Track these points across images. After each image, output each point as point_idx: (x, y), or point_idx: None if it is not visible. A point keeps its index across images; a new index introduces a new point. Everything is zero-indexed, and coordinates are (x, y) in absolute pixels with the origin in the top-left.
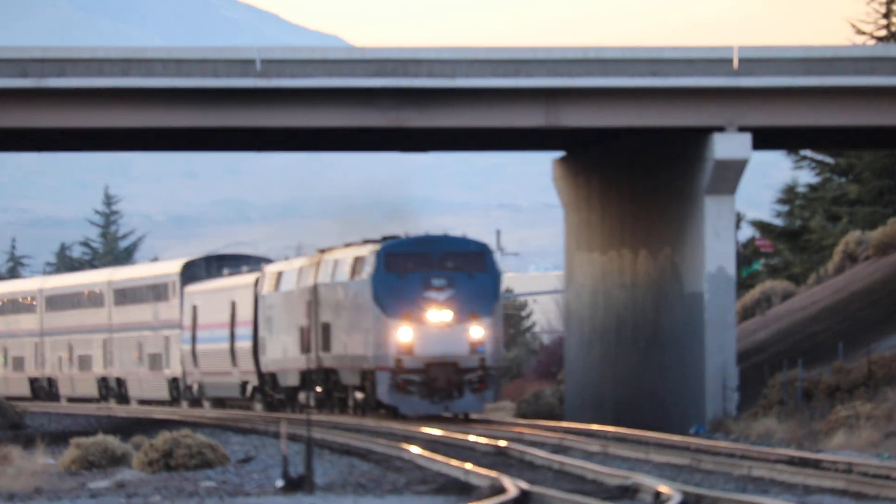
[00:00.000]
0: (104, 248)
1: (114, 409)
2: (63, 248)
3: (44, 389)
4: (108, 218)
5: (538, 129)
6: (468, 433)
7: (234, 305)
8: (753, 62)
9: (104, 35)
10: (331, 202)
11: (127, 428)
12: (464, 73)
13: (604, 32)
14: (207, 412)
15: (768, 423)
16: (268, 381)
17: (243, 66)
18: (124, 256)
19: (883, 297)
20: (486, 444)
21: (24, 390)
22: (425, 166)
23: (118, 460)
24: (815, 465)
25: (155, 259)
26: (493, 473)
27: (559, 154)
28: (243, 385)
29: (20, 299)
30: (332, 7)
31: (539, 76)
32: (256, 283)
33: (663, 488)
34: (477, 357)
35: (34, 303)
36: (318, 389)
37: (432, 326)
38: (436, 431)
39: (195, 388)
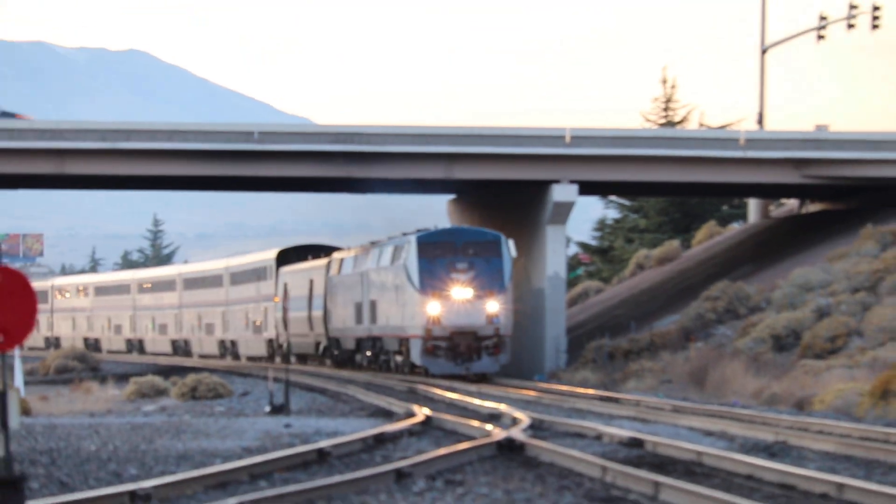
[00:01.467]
0: (153, 254)
1: (160, 360)
2: (126, 254)
3: (181, 348)
4: (156, 234)
5: (439, 180)
6: (390, 378)
7: (311, 283)
8: (580, 138)
9: (151, 113)
10: (304, 225)
11: (168, 371)
12: (390, 142)
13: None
14: (223, 363)
15: (585, 374)
16: (333, 344)
17: (247, 136)
18: (166, 260)
19: (660, 293)
20: (402, 384)
21: (168, 349)
22: (367, 202)
23: (161, 392)
24: (616, 400)
25: (185, 261)
26: (407, 404)
27: (452, 196)
28: (317, 345)
29: (164, 281)
30: (304, 96)
31: (441, 145)
32: (327, 266)
33: (518, 415)
34: (492, 327)
35: (174, 283)
36: (368, 353)
37: (456, 302)
38: (365, 376)
39: (285, 346)
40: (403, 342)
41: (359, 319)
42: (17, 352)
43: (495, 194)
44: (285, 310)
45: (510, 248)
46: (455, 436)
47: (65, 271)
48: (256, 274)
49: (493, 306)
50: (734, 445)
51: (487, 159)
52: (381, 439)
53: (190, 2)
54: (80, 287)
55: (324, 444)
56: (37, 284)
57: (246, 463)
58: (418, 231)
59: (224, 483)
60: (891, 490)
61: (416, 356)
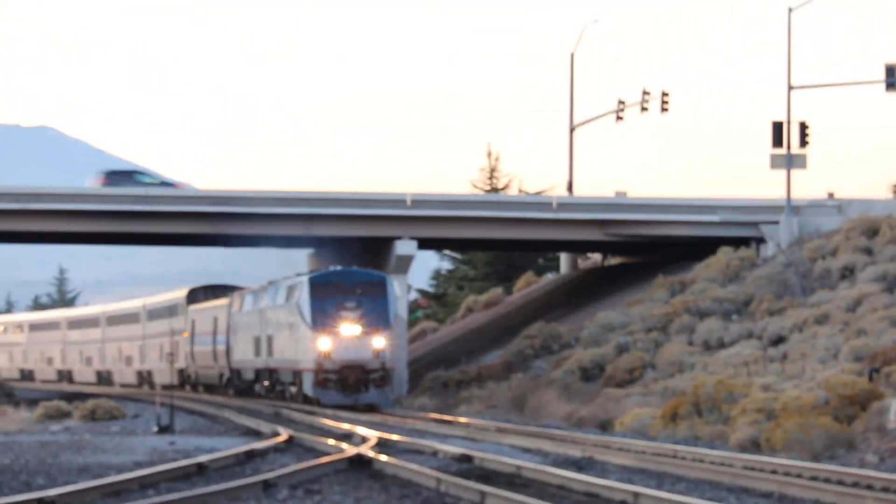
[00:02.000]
0: (59, 298)
1: (66, 386)
2: (36, 298)
3: (105, 378)
4: (61, 281)
5: (301, 236)
6: (259, 403)
7: (215, 320)
8: (419, 202)
9: (57, 180)
10: (186, 273)
11: (72, 397)
12: (258, 205)
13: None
14: (117, 390)
15: (424, 400)
16: (235, 375)
17: (138, 199)
18: (70, 304)
19: (487, 332)
20: (268, 409)
21: (93, 378)
22: (238, 253)
23: (66, 415)
24: (449, 423)
25: (86, 304)
26: (273, 426)
27: (311, 250)
28: (221, 376)
29: (89, 319)
30: (185, 164)
31: (301, 207)
32: (230, 304)
33: (367, 434)
34: (379, 361)
35: (98, 320)
36: (266, 383)
37: (345, 338)
38: (238, 402)
39: (193, 376)
40: (297, 374)
41: (257, 352)
42: None
43: (347, 248)
44: (192, 344)
45: (395, 287)
46: (314, 452)
47: None
48: (169, 311)
49: (380, 342)
50: (548, 460)
51: (341, 219)
52: (251, 455)
53: (94, 80)
54: (16, 324)
55: (202, 458)
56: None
57: (136, 475)
58: (311, 272)
59: (118, 492)
60: (678, 497)
61: (308, 388)
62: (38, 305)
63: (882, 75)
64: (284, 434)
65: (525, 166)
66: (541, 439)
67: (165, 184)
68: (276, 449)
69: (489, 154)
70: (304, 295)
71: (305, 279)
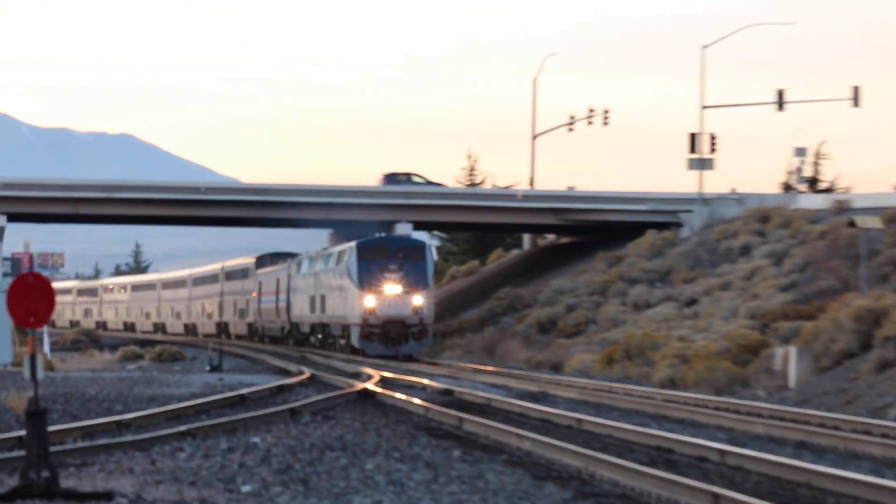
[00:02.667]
0: (135, 267)
1: (142, 336)
2: (117, 266)
3: (191, 330)
4: (137, 254)
5: (323, 220)
6: (289, 349)
7: (278, 282)
8: (414, 194)
9: (135, 177)
10: (234, 249)
11: (144, 343)
12: (289, 194)
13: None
14: (181, 338)
15: None
16: (294, 328)
17: (196, 189)
18: (144, 272)
19: (466, 295)
20: (295, 354)
21: (181, 330)
22: (275, 233)
23: (139, 357)
24: (437, 364)
25: (156, 271)
26: (300, 366)
27: (331, 230)
28: (282, 329)
29: (178, 280)
30: (234, 163)
31: (325, 197)
32: (289, 268)
33: (372, 373)
34: (417, 317)
35: (186, 282)
36: (319, 336)
37: (388, 296)
38: (272, 347)
39: (260, 329)
40: (345, 328)
41: (312, 309)
42: (45, 328)
43: (359, 229)
44: (259, 302)
45: (433, 253)
46: (330, 387)
47: (78, 277)
48: (242, 273)
49: (419, 300)
50: (512, 394)
51: (353, 207)
52: (281, 389)
53: (164, 93)
54: (121, 285)
55: (244, 391)
56: (89, 284)
57: (192, 403)
58: (359, 238)
59: (178, 416)
60: (612, 422)
61: (355, 340)
62: (118, 272)
63: (774, 97)
64: (308, 373)
65: (497, 166)
66: (506, 377)
67: (431, 184)
68: (301, 385)
69: (469, 156)
70: (352, 258)
71: (353, 245)
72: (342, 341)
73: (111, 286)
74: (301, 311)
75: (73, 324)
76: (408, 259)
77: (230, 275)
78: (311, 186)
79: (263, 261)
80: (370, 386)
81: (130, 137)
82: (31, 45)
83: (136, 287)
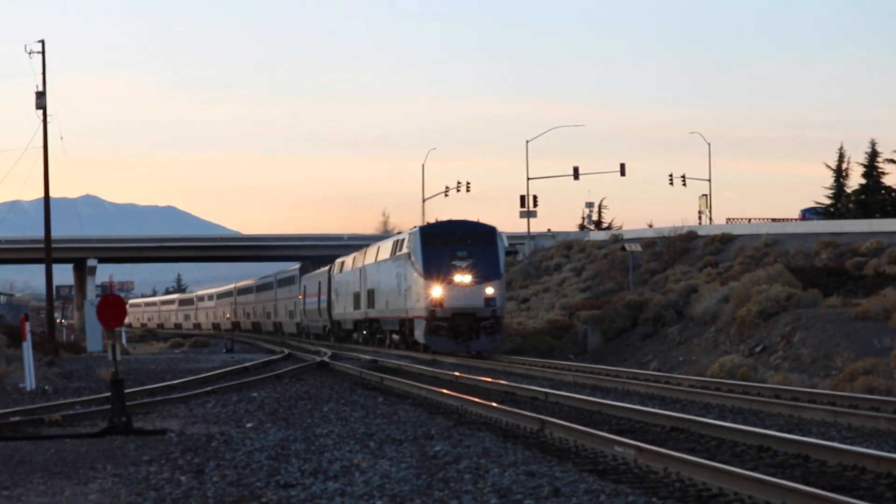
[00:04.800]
0: (178, 288)
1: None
2: (166, 289)
3: (257, 327)
4: (179, 280)
5: (293, 256)
6: (273, 339)
7: (319, 284)
8: (351, 237)
9: (142, 228)
10: (235, 276)
11: (185, 336)
12: (272, 240)
13: None
14: (207, 332)
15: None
16: (336, 325)
17: (214, 239)
18: (183, 291)
19: None
20: (279, 340)
21: (250, 327)
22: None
23: (181, 345)
24: (372, 345)
25: (185, 288)
26: (282, 349)
27: (298, 263)
28: (324, 327)
29: (247, 288)
30: (218, 207)
31: (294, 241)
32: (329, 269)
33: (326, 350)
34: (490, 309)
35: (252, 289)
36: (364, 332)
37: (457, 286)
38: (265, 336)
39: (305, 328)
40: (405, 322)
41: (357, 306)
42: (122, 329)
43: (319, 262)
44: (304, 304)
45: (503, 240)
46: (301, 360)
47: (144, 296)
48: (289, 280)
49: (490, 290)
50: (414, 361)
51: (313, 247)
52: (269, 362)
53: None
54: (209, 295)
55: (247, 364)
56: (186, 295)
57: (214, 372)
58: (423, 225)
59: (206, 380)
60: (478, 377)
61: (419, 335)
62: (167, 292)
63: (572, 171)
64: (286, 352)
65: (404, 221)
66: (407, 354)
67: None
68: (282, 359)
69: (383, 213)
70: (415, 245)
71: (417, 231)
72: (395, 336)
73: (203, 297)
74: (343, 309)
75: (177, 326)
76: (477, 245)
77: (281, 282)
78: (286, 235)
79: (307, 267)
80: (325, 359)
81: (173, 208)
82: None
83: (219, 296)
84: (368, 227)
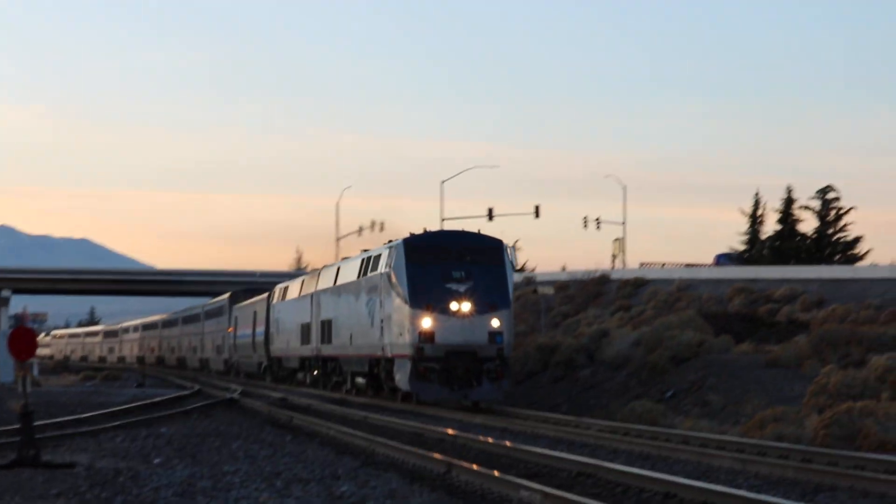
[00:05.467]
0: (91, 320)
1: (108, 364)
2: (79, 321)
3: (181, 363)
4: (92, 313)
5: (207, 291)
6: (235, 381)
7: (255, 314)
8: (263, 274)
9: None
10: (139, 311)
11: (98, 369)
12: (186, 275)
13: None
14: (118, 365)
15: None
16: (275, 363)
17: (127, 273)
18: (95, 324)
19: None
20: (190, 375)
21: (175, 363)
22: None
23: (93, 377)
24: (282, 385)
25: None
26: (192, 384)
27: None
28: (260, 364)
29: (173, 320)
30: (132, 241)
31: (208, 276)
32: (268, 297)
33: (237, 388)
34: (495, 347)
35: (178, 321)
36: (315, 372)
37: (453, 316)
38: (191, 372)
39: (235, 365)
40: (379, 363)
41: (305, 340)
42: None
43: (254, 292)
44: (235, 337)
45: (512, 256)
46: (211, 396)
47: (56, 327)
48: (218, 311)
49: (497, 322)
50: (324, 401)
51: (227, 283)
52: (179, 398)
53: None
54: (134, 327)
55: (157, 399)
56: (111, 327)
57: (123, 407)
58: (407, 236)
59: (115, 413)
60: (387, 417)
61: (402, 380)
62: (80, 324)
63: (486, 212)
64: (197, 387)
65: (319, 259)
66: (317, 392)
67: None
68: (192, 394)
69: (297, 250)
70: (398, 262)
71: (399, 244)
72: (360, 380)
73: (128, 328)
74: (286, 343)
75: (101, 359)
76: (479, 262)
77: (209, 314)
78: (197, 270)
79: (237, 297)
80: (235, 396)
81: (87, 241)
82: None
83: (145, 327)
84: (282, 263)
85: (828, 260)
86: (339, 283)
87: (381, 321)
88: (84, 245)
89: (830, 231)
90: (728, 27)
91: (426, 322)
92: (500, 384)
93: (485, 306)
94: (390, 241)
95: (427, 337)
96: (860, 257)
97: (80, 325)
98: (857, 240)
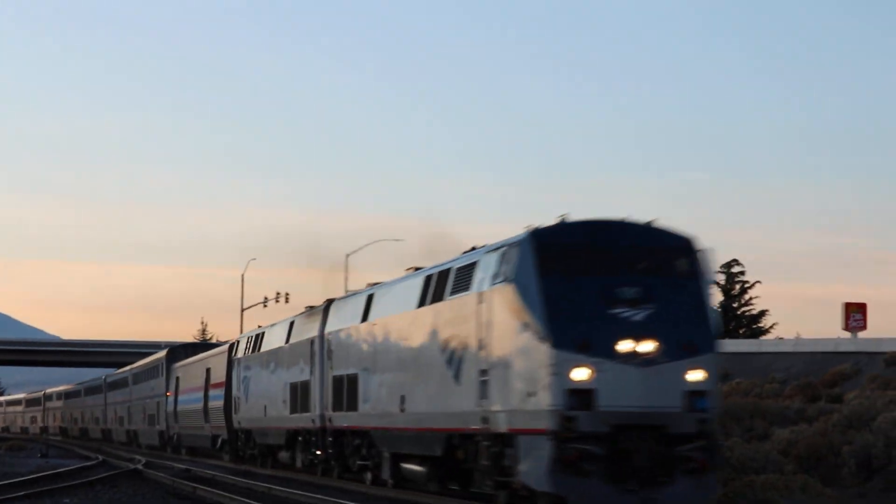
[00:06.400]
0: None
1: (30, 435)
2: None
3: (107, 435)
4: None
5: (114, 362)
6: (94, 446)
7: (208, 372)
8: (169, 346)
9: None
10: (59, 379)
11: (11, 440)
12: (93, 346)
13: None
14: (21, 437)
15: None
16: (242, 437)
17: (32, 343)
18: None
19: None
20: (94, 446)
21: (99, 435)
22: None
23: None
24: (189, 456)
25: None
26: (97, 454)
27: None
28: (214, 438)
29: (95, 386)
30: (39, 312)
31: (116, 348)
32: (231, 349)
33: (141, 458)
34: (696, 415)
35: (101, 387)
36: (318, 452)
37: (626, 361)
38: (120, 446)
39: (175, 438)
40: (473, 444)
41: (298, 406)
42: None
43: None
44: (175, 403)
45: (709, 263)
46: (115, 467)
47: None
48: (150, 373)
49: (698, 375)
50: (228, 471)
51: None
52: (84, 468)
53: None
54: (57, 394)
55: (60, 469)
56: (33, 395)
57: (28, 477)
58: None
59: (20, 483)
60: (294, 490)
61: (534, 473)
62: None
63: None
64: (101, 458)
65: (222, 330)
66: (221, 464)
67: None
68: (97, 465)
69: (202, 321)
70: (521, 271)
71: (524, 239)
72: (418, 468)
73: (51, 395)
74: (259, 411)
75: (23, 430)
76: (660, 273)
77: (139, 376)
78: (103, 341)
79: (177, 354)
80: (139, 466)
81: None
82: None
83: (68, 395)
84: (186, 334)
85: (733, 334)
86: (372, 317)
87: (481, 373)
88: None
89: (735, 305)
90: (634, 98)
91: (580, 373)
92: (706, 481)
93: (677, 347)
94: (509, 239)
95: (581, 399)
96: (765, 331)
97: None
98: (762, 313)
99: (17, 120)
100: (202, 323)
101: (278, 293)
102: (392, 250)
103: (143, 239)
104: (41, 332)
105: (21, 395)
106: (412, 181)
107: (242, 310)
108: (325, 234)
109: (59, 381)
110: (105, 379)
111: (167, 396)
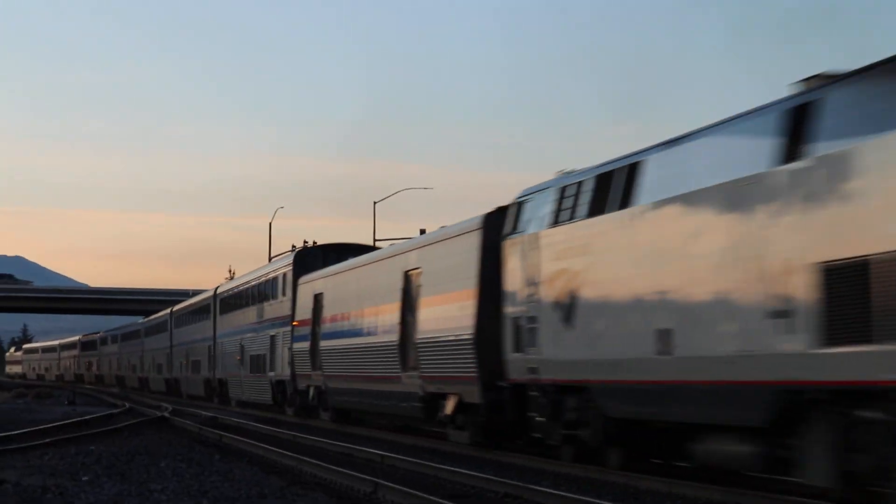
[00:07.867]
0: (23, 338)
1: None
2: (11, 339)
3: (119, 380)
4: (25, 331)
5: (139, 310)
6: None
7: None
8: (194, 293)
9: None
10: (87, 327)
11: (29, 386)
12: (118, 293)
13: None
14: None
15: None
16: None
17: (61, 291)
18: (29, 341)
19: None
20: (120, 392)
21: (113, 381)
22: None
23: (25, 395)
24: (211, 403)
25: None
26: (123, 402)
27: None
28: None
29: (130, 331)
30: (68, 260)
31: (140, 296)
32: (215, 292)
33: (167, 405)
34: None
35: (117, 337)
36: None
37: None
38: (111, 389)
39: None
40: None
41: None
42: None
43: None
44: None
45: None
46: (142, 414)
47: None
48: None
49: None
50: (251, 420)
51: (161, 302)
52: (110, 415)
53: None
54: (112, 337)
55: (87, 416)
56: (89, 337)
57: (55, 424)
58: None
59: (46, 431)
60: (315, 437)
61: None
62: (12, 343)
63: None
64: (128, 405)
65: None
66: (252, 412)
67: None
68: (123, 412)
69: (230, 270)
70: None
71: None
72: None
73: (106, 338)
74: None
75: (78, 377)
76: None
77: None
78: (131, 289)
79: (309, 259)
80: (166, 415)
81: (22, 258)
82: None
83: (124, 337)
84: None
85: None
86: (645, 200)
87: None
88: (18, 263)
89: None
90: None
91: None
92: None
93: None
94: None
95: None
96: None
97: (14, 342)
98: None
99: (43, 70)
100: (230, 271)
101: (305, 241)
102: (421, 198)
103: (168, 186)
104: (69, 279)
105: (75, 338)
106: (443, 131)
107: (270, 258)
108: (352, 181)
109: (85, 329)
110: (216, 292)
111: (293, 327)
